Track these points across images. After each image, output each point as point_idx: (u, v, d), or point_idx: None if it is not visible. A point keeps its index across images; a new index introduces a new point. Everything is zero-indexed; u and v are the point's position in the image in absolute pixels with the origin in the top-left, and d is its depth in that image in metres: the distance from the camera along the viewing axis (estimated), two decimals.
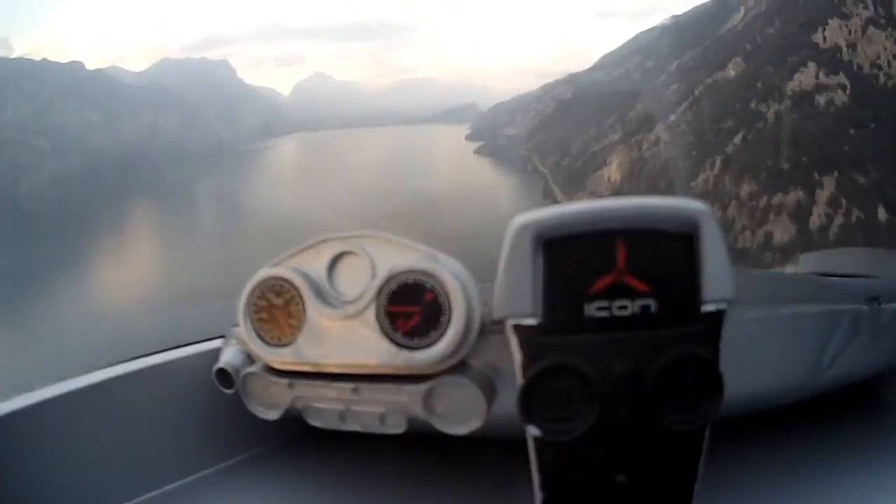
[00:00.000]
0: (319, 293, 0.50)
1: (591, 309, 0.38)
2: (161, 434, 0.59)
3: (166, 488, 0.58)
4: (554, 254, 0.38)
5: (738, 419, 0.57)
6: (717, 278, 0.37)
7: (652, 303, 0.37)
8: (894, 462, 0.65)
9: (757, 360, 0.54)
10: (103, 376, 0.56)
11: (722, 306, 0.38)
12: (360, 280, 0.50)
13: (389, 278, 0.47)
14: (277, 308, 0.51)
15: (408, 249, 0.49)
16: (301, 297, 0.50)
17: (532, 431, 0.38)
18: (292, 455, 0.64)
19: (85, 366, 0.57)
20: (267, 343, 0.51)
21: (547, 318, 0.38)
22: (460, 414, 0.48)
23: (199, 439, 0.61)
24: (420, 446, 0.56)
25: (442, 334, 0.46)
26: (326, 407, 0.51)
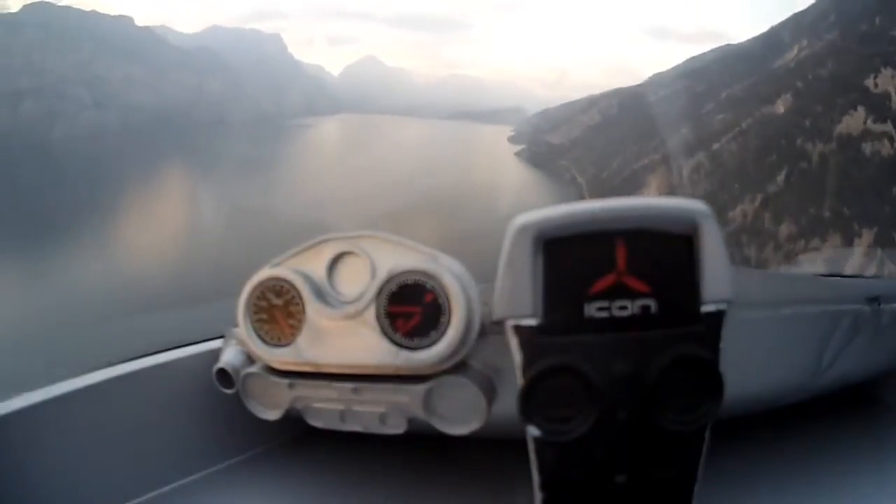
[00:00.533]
0: (319, 293, 0.50)
1: (592, 309, 0.38)
2: (161, 434, 0.59)
3: (166, 488, 0.58)
4: (554, 254, 0.38)
5: (738, 419, 0.57)
6: (717, 279, 0.37)
7: (652, 303, 0.37)
8: (894, 462, 0.65)
9: (757, 360, 0.54)
10: (103, 376, 0.56)
11: (722, 306, 0.38)
12: (360, 280, 0.50)
13: (389, 279, 0.47)
14: (277, 308, 0.51)
15: (408, 250, 0.49)
16: (301, 297, 0.50)
17: (532, 431, 0.38)
18: (292, 455, 0.64)
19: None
20: (267, 343, 0.51)
21: (547, 319, 0.38)
22: (460, 414, 0.48)
23: (199, 439, 0.61)
24: (420, 446, 0.56)
25: (442, 334, 0.46)
26: (326, 407, 0.51)
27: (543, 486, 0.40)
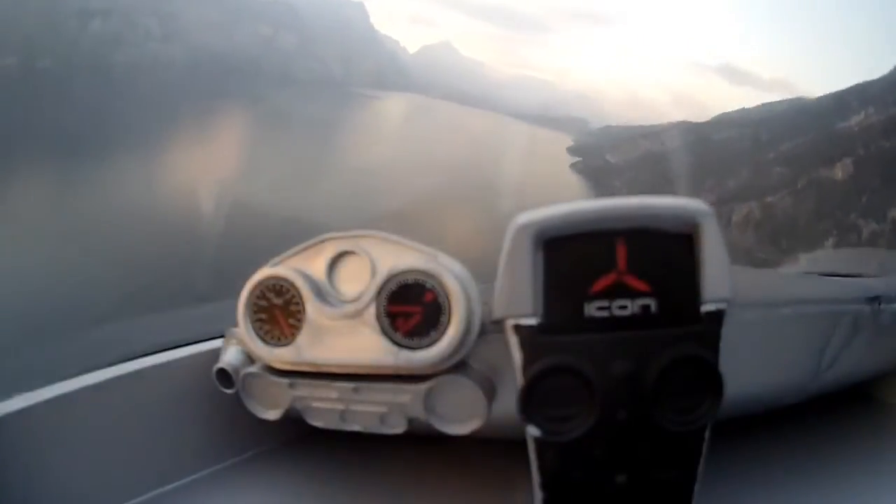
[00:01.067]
0: (319, 293, 0.50)
1: (592, 309, 0.38)
2: (161, 434, 0.59)
3: (166, 488, 0.58)
4: (554, 254, 0.38)
5: (738, 419, 0.57)
6: (717, 278, 0.37)
7: (652, 303, 0.37)
8: (894, 462, 0.65)
9: (757, 360, 0.54)
10: (103, 376, 0.56)
11: (722, 306, 0.38)
12: (360, 280, 0.50)
13: (389, 278, 0.47)
14: (277, 308, 0.51)
15: (408, 249, 0.49)
16: (301, 296, 0.50)
17: (532, 431, 0.38)
18: (292, 455, 0.64)
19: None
20: (267, 343, 0.51)
21: (547, 318, 0.38)
22: (460, 414, 0.48)
23: (199, 439, 0.61)
24: (420, 446, 0.56)
25: (442, 334, 0.46)
26: (326, 407, 0.51)
27: (543, 486, 0.40)
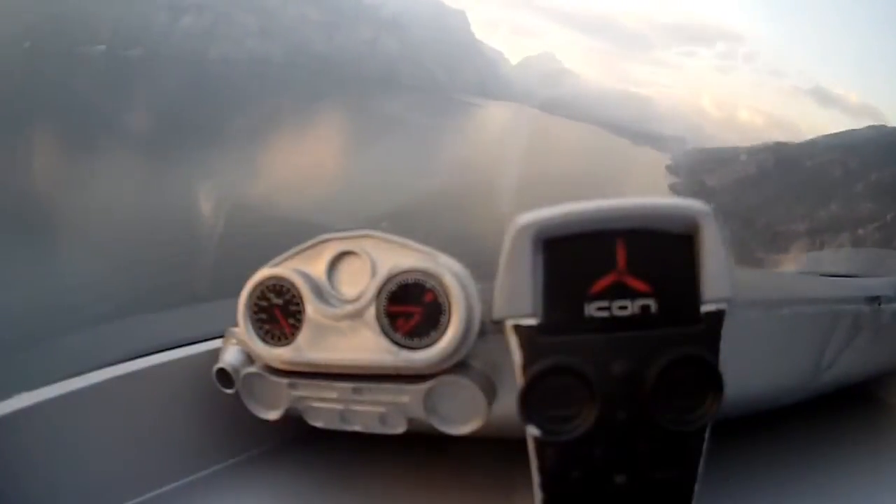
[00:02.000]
0: (319, 293, 0.50)
1: (591, 309, 0.38)
2: (161, 434, 0.59)
3: (166, 488, 0.58)
4: (554, 254, 0.38)
5: (738, 419, 0.57)
6: (717, 278, 0.37)
7: (652, 303, 0.37)
8: (894, 462, 0.65)
9: (757, 360, 0.54)
10: (103, 376, 0.56)
11: (722, 306, 0.38)
12: (360, 280, 0.50)
13: (389, 278, 0.47)
14: (277, 308, 0.51)
15: (408, 249, 0.49)
16: (301, 296, 0.50)
17: (532, 431, 0.38)
18: (292, 455, 0.64)
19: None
20: (267, 343, 0.51)
21: (547, 319, 0.38)
22: (460, 414, 0.48)
23: (199, 439, 0.61)
24: (420, 446, 0.56)
25: (442, 334, 0.46)
26: (326, 407, 0.51)
27: (543, 486, 0.40)
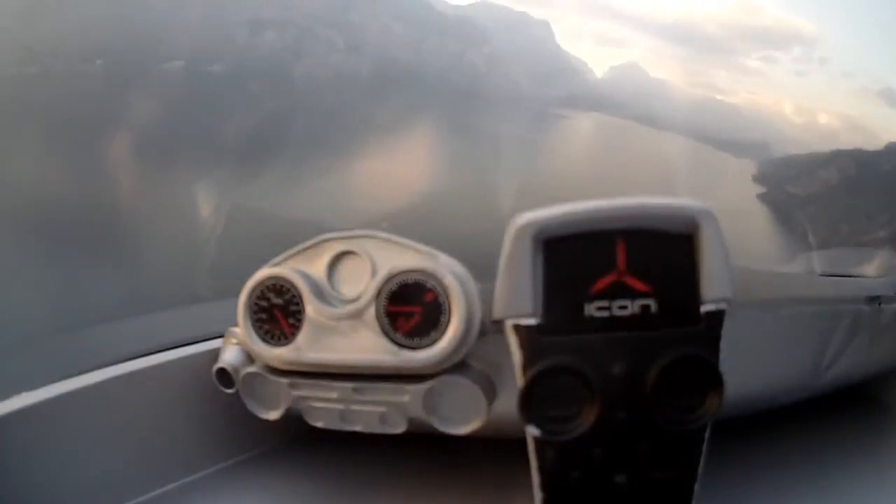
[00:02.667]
0: (319, 293, 0.50)
1: (591, 309, 0.38)
2: (161, 434, 0.59)
3: (166, 488, 0.58)
4: (554, 254, 0.38)
5: (738, 419, 0.57)
6: (717, 278, 0.37)
7: (652, 303, 0.37)
8: (894, 462, 0.65)
9: (757, 360, 0.54)
10: (103, 376, 0.56)
11: (722, 306, 0.38)
12: (360, 280, 0.50)
13: (389, 278, 0.47)
14: (277, 307, 0.51)
15: (408, 249, 0.49)
16: (301, 296, 0.50)
17: (532, 431, 0.38)
18: (292, 455, 0.64)
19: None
20: (267, 343, 0.51)
21: (547, 318, 0.38)
22: (460, 414, 0.48)
23: (199, 439, 0.61)
24: (420, 446, 0.56)
25: (442, 334, 0.46)
26: (326, 407, 0.51)
27: (543, 486, 0.40)
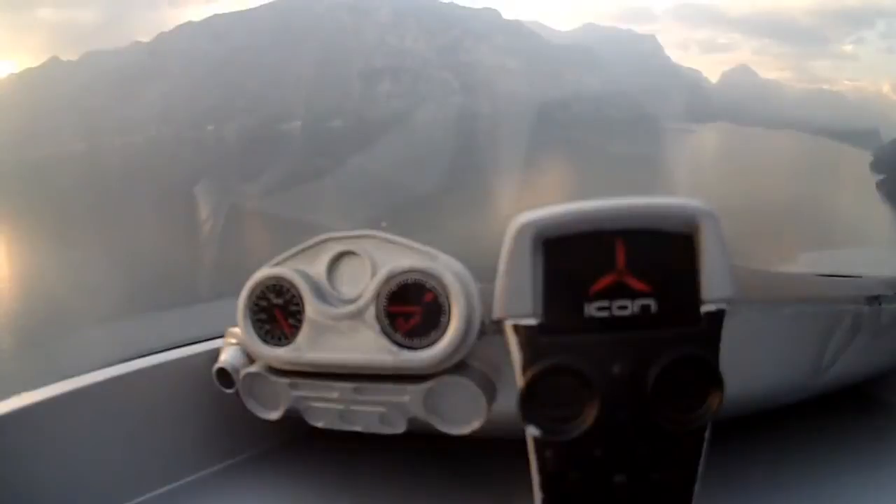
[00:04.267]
0: (319, 293, 0.50)
1: (592, 309, 0.38)
2: (161, 434, 0.59)
3: (166, 488, 0.58)
4: (554, 254, 0.38)
5: (738, 419, 0.57)
6: (717, 278, 0.37)
7: (652, 303, 0.37)
8: (894, 462, 0.65)
9: (757, 360, 0.54)
10: (103, 376, 0.56)
11: (722, 306, 0.38)
12: (360, 280, 0.50)
13: (389, 278, 0.47)
14: (277, 308, 0.51)
15: (408, 249, 0.49)
16: (301, 296, 0.50)
17: (532, 431, 0.38)
18: (292, 455, 0.64)
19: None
20: (267, 342, 0.51)
21: (547, 319, 0.38)
22: (460, 414, 0.48)
23: (199, 439, 0.61)
24: (420, 446, 0.56)
25: (442, 334, 0.46)
26: (326, 407, 0.51)
27: (543, 486, 0.40)
